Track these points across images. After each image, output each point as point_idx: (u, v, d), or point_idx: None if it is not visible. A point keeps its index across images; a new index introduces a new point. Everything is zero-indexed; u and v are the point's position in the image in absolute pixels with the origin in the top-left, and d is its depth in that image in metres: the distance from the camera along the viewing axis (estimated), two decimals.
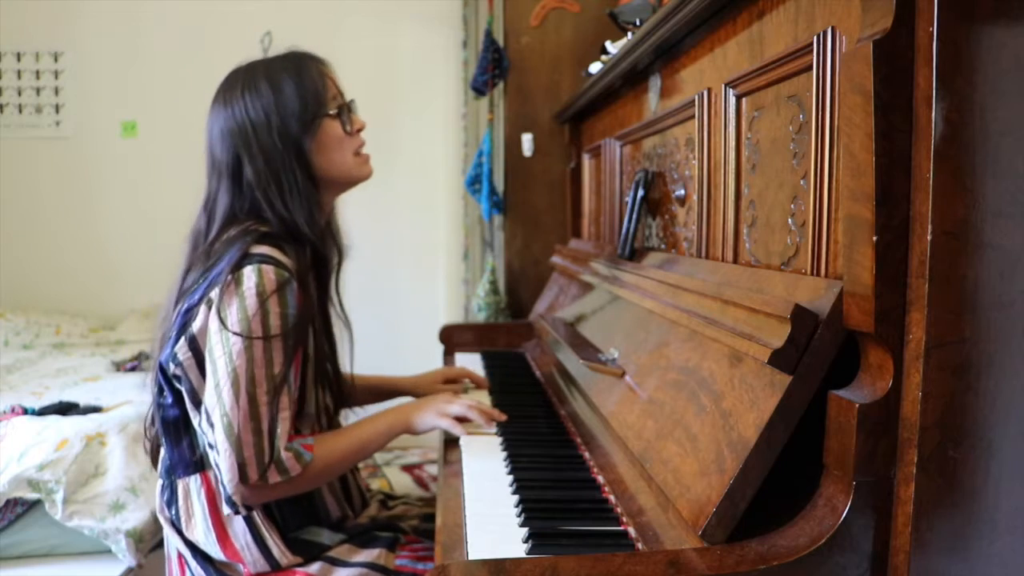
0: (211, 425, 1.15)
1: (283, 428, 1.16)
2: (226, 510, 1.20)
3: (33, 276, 3.42)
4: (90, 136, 3.44)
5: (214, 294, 1.15)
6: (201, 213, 1.29)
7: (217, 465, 1.15)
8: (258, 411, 1.13)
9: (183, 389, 1.21)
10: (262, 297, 1.13)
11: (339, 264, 1.39)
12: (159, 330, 1.26)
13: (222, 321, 1.13)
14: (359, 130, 1.32)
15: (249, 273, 1.14)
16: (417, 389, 1.64)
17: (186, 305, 1.20)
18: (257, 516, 1.22)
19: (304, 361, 1.25)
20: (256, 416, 1.13)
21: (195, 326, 1.17)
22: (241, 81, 1.26)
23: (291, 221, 1.24)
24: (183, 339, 1.18)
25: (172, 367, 1.20)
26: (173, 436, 1.25)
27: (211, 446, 1.16)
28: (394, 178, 3.54)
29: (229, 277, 1.14)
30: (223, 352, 1.13)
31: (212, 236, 1.25)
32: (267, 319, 1.14)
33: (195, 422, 1.21)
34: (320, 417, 1.33)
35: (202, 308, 1.17)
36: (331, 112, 1.27)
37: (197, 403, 1.19)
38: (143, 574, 1.89)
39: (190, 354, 1.18)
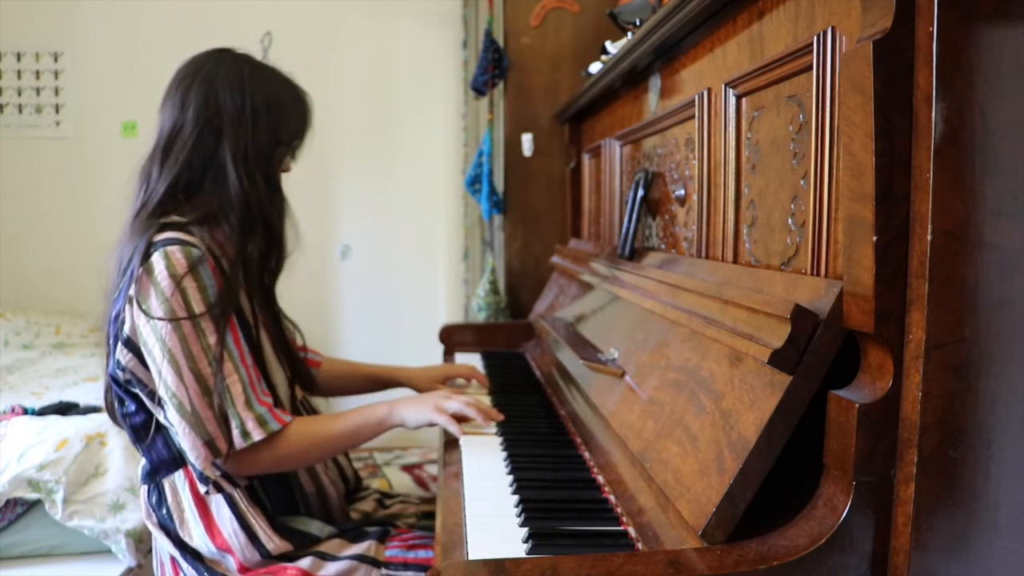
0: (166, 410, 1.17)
1: (235, 391, 1.18)
2: (202, 488, 1.22)
3: (33, 276, 3.42)
4: (90, 136, 3.44)
5: (132, 291, 1.18)
6: (139, 187, 1.30)
7: (182, 446, 1.18)
8: (207, 385, 1.16)
9: (139, 392, 1.23)
10: (175, 278, 1.16)
11: (277, 265, 1.38)
12: (103, 343, 1.27)
13: (145, 312, 1.16)
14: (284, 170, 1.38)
15: (157, 259, 1.17)
16: (414, 382, 1.64)
17: (114, 311, 1.22)
18: (242, 501, 1.23)
19: (245, 329, 1.25)
20: (207, 390, 1.16)
21: (127, 328, 1.19)
22: (258, 72, 1.30)
23: (244, 202, 1.26)
24: (120, 344, 1.20)
25: (121, 375, 1.22)
26: (145, 441, 1.26)
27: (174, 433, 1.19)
28: (394, 178, 3.54)
29: (140, 270, 1.17)
30: (155, 340, 1.16)
31: (146, 211, 1.25)
32: (186, 296, 1.16)
33: (161, 418, 1.23)
34: (291, 399, 1.34)
35: (127, 308, 1.19)
36: (297, 144, 1.36)
37: (155, 399, 1.21)
38: (143, 574, 1.89)
39: (131, 355, 1.20)
